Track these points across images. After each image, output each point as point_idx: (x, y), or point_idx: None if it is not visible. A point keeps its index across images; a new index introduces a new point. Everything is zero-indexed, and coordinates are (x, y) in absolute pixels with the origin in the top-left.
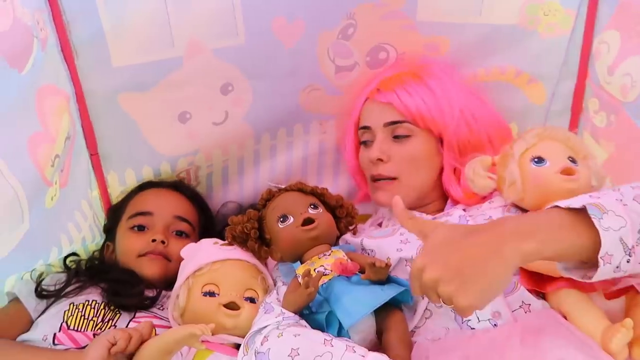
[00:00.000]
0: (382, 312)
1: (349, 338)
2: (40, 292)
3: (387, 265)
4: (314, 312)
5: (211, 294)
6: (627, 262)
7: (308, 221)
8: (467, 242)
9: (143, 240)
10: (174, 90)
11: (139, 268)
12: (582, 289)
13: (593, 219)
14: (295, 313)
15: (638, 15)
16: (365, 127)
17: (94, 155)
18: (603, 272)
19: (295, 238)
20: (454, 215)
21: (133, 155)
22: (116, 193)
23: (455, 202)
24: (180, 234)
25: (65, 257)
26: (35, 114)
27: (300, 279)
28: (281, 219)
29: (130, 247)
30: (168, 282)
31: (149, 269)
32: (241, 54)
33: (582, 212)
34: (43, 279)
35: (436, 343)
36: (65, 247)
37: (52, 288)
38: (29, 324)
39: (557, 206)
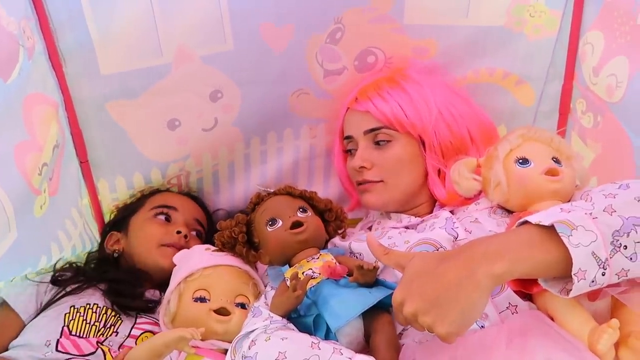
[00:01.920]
0: (370, 315)
1: (337, 341)
2: (55, 279)
3: (375, 268)
4: (302, 316)
5: (202, 299)
6: (603, 275)
7: (297, 224)
8: (440, 269)
9: (168, 229)
10: (162, 97)
11: (159, 256)
12: None
13: (562, 237)
14: (283, 316)
15: (621, 16)
16: (348, 137)
17: (83, 162)
18: (579, 288)
19: (284, 241)
20: (440, 217)
21: (123, 162)
22: (107, 201)
23: (443, 204)
24: (199, 234)
25: (55, 265)
26: (21, 123)
27: (288, 283)
28: (270, 223)
29: (152, 233)
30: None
31: (168, 259)
32: (230, 60)
33: (552, 227)
34: (61, 267)
35: (423, 345)
36: (55, 255)
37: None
38: (20, 327)
39: (527, 222)
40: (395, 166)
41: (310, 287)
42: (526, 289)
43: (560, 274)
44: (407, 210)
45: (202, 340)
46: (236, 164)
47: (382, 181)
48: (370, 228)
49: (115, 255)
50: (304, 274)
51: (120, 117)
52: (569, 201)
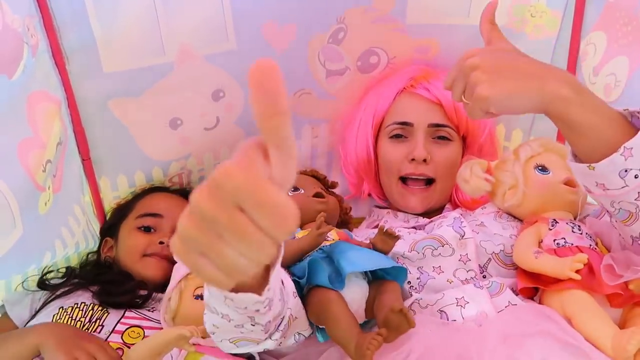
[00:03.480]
0: (377, 285)
1: (342, 289)
2: (42, 283)
3: (397, 237)
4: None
5: (203, 297)
6: (636, 177)
7: (319, 195)
8: (522, 58)
9: (150, 240)
10: (165, 96)
11: (142, 267)
12: (589, 290)
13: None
14: (290, 263)
15: (623, 16)
16: (404, 123)
17: (86, 160)
18: (612, 162)
19: (305, 205)
20: (449, 217)
21: (125, 160)
22: (108, 198)
23: (455, 208)
24: None
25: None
26: (25, 120)
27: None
28: (292, 189)
29: (135, 245)
30: (164, 284)
31: (152, 270)
32: (232, 59)
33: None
34: (48, 272)
35: (418, 338)
36: (59, 252)
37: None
38: None
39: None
40: (450, 167)
41: (324, 246)
42: (543, 285)
43: (604, 152)
44: (426, 215)
45: (202, 337)
46: None
47: (434, 180)
48: (377, 227)
49: (108, 263)
50: None
51: (122, 115)
52: (576, 217)
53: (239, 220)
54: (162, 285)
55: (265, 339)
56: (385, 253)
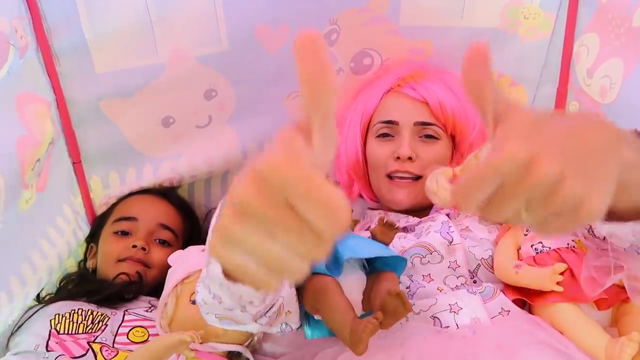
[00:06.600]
0: (375, 277)
1: (339, 276)
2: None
3: (397, 228)
4: None
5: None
6: None
7: None
8: (579, 124)
9: (124, 244)
10: (157, 95)
11: (115, 273)
12: (574, 300)
13: None
14: None
15: (616, 18)
16: (390, 122)
17: (76, 163)
18: None
19: None
20: (437, 220)
21: (116, 159)
22: (99, 197)
23: (440, 207)
24: (162, 242)
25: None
26: (17, 120)
27: None
28: None
29: (110, 250)
30: (146, 289)
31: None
32: (225, 61)
33: None
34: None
35: (408, 344)
36: (47, 251)
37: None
38: None
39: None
40: (436, 164)
41: None
42: (529, 299)
43: None
44: (414, 212)
45: (200, 343)
46: (230, 174)
47: (420, 177)
48: (368, 229)
49: (91, 271)
50: None
51: (114, 115)
52: None
53: (292, 217)
54: (155, 290)
55: (251, 322)
56: (385, 244)
